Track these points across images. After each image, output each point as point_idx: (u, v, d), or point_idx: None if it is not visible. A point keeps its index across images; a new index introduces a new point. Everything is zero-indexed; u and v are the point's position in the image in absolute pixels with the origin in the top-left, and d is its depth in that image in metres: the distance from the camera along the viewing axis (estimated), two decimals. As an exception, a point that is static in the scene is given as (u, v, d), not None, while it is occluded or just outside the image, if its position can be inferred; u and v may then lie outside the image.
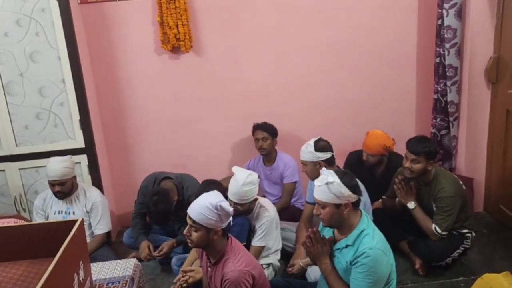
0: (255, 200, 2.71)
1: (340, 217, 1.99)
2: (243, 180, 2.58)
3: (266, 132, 3.40)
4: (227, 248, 2.03)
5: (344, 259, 2.00)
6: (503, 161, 3.41)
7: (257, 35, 3.59)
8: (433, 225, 2.78)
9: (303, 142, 2.87)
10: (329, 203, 1.96)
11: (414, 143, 2.80)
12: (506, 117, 3.32)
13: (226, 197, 2.51)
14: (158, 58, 3.57)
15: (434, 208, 2.81)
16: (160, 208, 2.85)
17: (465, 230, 2.89)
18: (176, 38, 3.40)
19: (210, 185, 2.77)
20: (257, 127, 3.46)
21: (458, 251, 2.87)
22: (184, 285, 2.38)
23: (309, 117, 3.78)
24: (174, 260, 2.86)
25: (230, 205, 2.63)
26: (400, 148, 3.10)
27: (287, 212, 3.33)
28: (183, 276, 2.40)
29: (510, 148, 3.33)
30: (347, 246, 1.99)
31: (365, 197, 2.78)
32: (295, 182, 3.38)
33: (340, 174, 1.99)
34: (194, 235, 1.99)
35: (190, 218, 1.99)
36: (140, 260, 3.00)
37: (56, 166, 2.91)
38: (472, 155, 3.62)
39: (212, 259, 2.07)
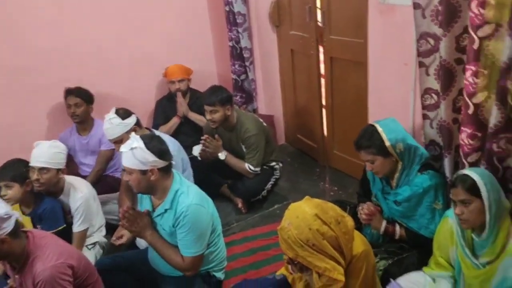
0: (61, 173, 2.44)
1: (149, 183, 1.94)
2: (49, 143, 2.42)
3: (79, 98, 3.12)
4: (29, 247, 1.78)
5: (166, 224, 1.99)
6: (294, 97, 3.86)
7: None
8: (246, 165, 3.01)
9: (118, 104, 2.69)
10: (135, 169, 1.90)
11: (207, 96, 2.95)
12: (291, 57, 3.71)
13: None
14: None
15: (244, 149, 3.02)
16: None
17: (273, 163, 3.23)
18: None
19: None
20: (69, 92, 3.15)
21: (270, 182, 3.20)
22: None
23: (115, 78, 3.55)
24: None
25: (32, 177, 2.32)
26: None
27: (106, 184, 3.14)
28: None
29: (298, 84, 3.77)
30: (166, 210, 1.98)
31: (182, 154, 2.81)
32: (113, 149, 3.19)
33: (147, 139, 1.92)
34: None
35: None
36: None
37: None
38: (270, 95, 3.99)
39: (17, 265, 1.80)
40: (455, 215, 1.71)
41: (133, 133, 2.02)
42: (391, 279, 1.87)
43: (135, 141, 1.89)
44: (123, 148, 1.90)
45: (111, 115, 2.56)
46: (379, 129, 2.03)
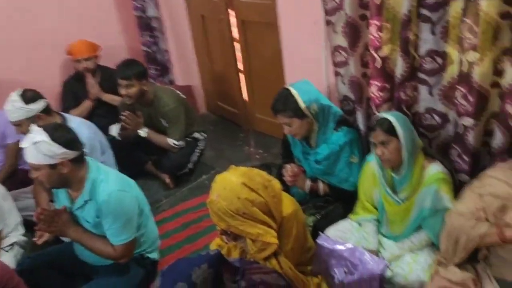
0: None
1: (61, 177, 1.80)
2: None
3: None
4: None
5: (89, 216, 1.88)
6: (210, 64, 3.78)
7: None
8: (169, 139, 2.93)
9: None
10: (42, 164, 1.74)
11: (121, 70, 2.77)
12: (202, 23, 3.59)
13: None
14: None
15: (165, 124, 2.93)
16: None
17: (196, 134, 3.16)
18: None
19: None
20: None
21: (196, 154, 3.14)
22: None
23: (13, 60, 3.21)
24: None
25: None
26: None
27: (16, 178, 2.88)
28: None
29: (213, 51, 3.68)
30: (86, 202, 1.86)
31: (99, 136, 2.65)
32: None
33: (51, 130, 1.76)
34: None
35: None
36: None
37: None
38: (185, 65, 3.87)
39: None
40: (376, 157, 1.84)
41: (33, 126, 1.82)
42: (321, 232, 1.96)
43: (37, 134, 1.72)
44: (24, 143, 1.73)
45: (15, 96, 2.33)
46: (293, 92, 2.05)
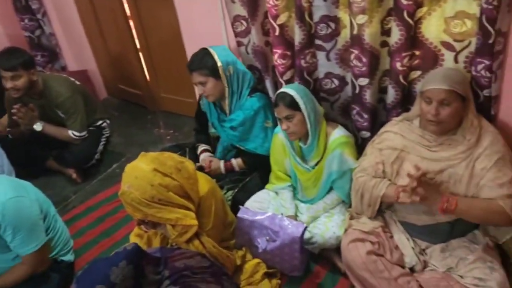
0: None
1: None
2: None
3: None
4: None
5: None
6: (104, 45, 3.53)
7: None
8: (69, 131, 2.72)
9: None
10: None
11: (4, 60, 2.47)
12: (90, 2, 3.31)
13: None
14: None
15: (61, 115, 2.70)
16: None
17: (100, 122, 2.96)
18: None
19: None
20: None
21: (101, 143, 2.96)
22: None
23: None
24: None
25: None
26: None
27: None
28: None
29: (105, 30, 3.43)
30: None
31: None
32: None
33: None
34: None
35: None
36: None
37: None
38: (76, 48, 3.57)
39: None
40: (282, 131, 1.87)
41: None
42: (240, 206, 1.97)
43: None
44: None
45: None
46: (211, 51, 2.05)
